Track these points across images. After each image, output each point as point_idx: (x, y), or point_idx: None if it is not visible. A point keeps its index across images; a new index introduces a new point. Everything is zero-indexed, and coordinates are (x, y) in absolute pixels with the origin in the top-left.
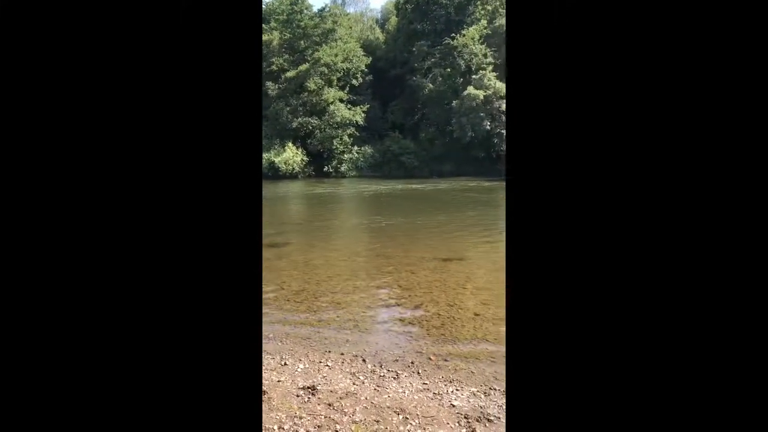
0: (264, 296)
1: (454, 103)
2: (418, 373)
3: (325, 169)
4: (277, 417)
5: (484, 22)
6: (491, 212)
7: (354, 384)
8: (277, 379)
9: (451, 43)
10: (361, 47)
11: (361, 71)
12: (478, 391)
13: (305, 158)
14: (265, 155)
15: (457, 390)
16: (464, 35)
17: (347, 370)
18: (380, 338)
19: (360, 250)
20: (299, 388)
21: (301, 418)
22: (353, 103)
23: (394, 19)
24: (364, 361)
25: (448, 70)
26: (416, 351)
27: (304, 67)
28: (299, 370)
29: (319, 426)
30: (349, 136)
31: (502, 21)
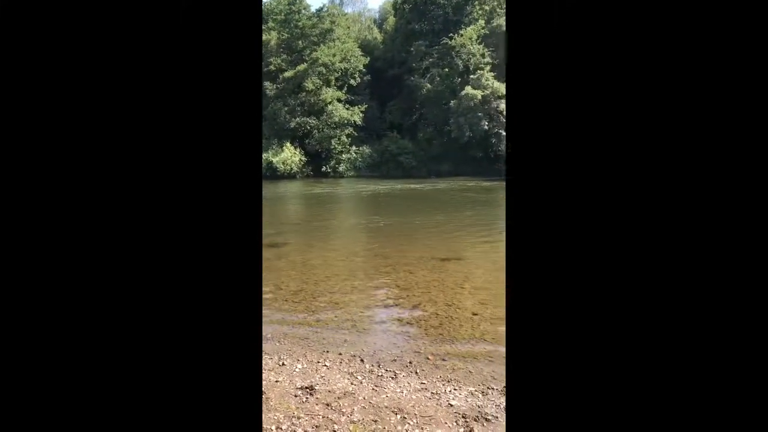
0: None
1: (452, 103)
2: (416, 372)
3: (323, 169)
4: (275, 417)
5: (481, 22)
6: (489, 212)
7: (352, 384)
8: (275, 380)
9: (449, 43)
10: (359, 47)
11: (359, 71)
12: (476, 390)
13: (303, 158)
14: (263, 155)
15: (455, 389)
16: (462, 35)
17: (345, 370)
18: (378, 338)
19: (358, 250)
20: (297, 388)
21: (299, 418)
22: (351, 103)
23: (391, 19)
24: (362, 361)
25: (446, 70)
26: (414, 351)
27: (302, 67)
28: (297, 370)
29: (317, 426)
30: (347, 136)
31: (499, 21)
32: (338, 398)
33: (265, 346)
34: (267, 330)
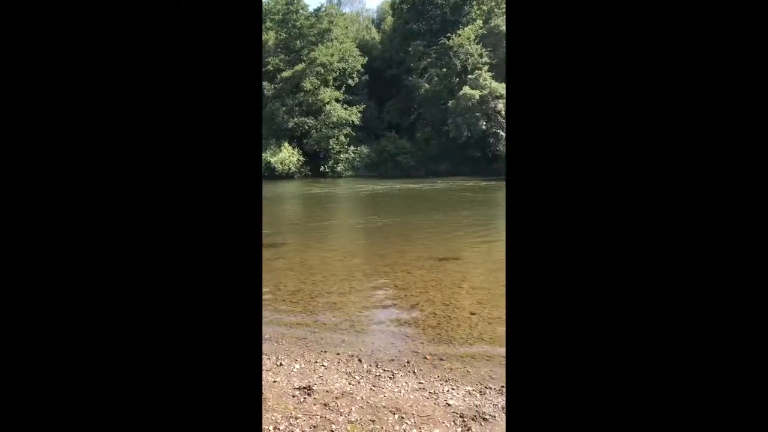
0: None
1: (450, 103)
2: (414, 372)
3: (322, 169)
4: (273, 417)
5: (479, 22)
6: (487, 212)
7: (350, 384)
8: (273, 380)
9: (447, 43)
10: (357, 47)
11: (357, 71)
12: (473, 390)
13: (301, 158)
14: None
15: (452, 389)
16: (460, 35)
17: (343, 370)
18: (376, 338)
19: (356, 250)
20: (295, 389)
21: (296, 418)
22: (349, 103)
23: (389, 19)
24: (360, 360)
25: (444, 70)
26: (412, 350)
27: (300, 67)
28: (295, 370)
29: (314, 426)
30: (346, 136)
31: (497, 21)
32: (336, 398)
33: (263, 347)
34: (265, 330)
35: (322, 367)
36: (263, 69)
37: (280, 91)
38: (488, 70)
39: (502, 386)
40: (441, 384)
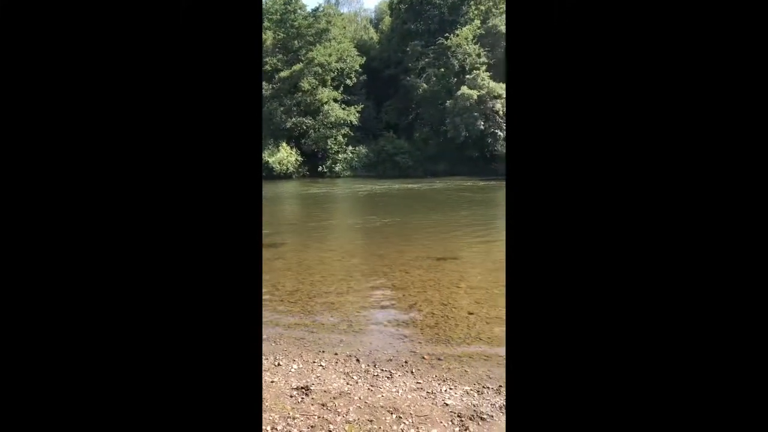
0: None
1: (448, 102)
2: (412, 372)
3: (320, 169)
4: (271, 418)
5: (477, 22)
6: (486, 212)
7: (348, 384)
8: (271, 380)
9: (445, 43)
10: (355, 47)
11: (355, 71)
12: (471, 389)
13: (299, 158)
14: None
15: (450, 389)
16: (458, 35)
17: (341, 370)
18: (374, 338)
19: (354, 250)
20: (293, 389)
21: (294, 418)
22: (347, 103)
23: (387, 19)
24: (357, 360)
25: (442, 70)
26: (410, 350)
27: (297, 66)
28: (293, 370)
29: (312, 426)
30: (344, 136)
31: (495, 21)
32: (334, 398)
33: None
34: (263, 330)
35: (320, 367)
36: None
37: (278, 91)
38: (486, 70)
39: (500, 386)
40: (439, 384)
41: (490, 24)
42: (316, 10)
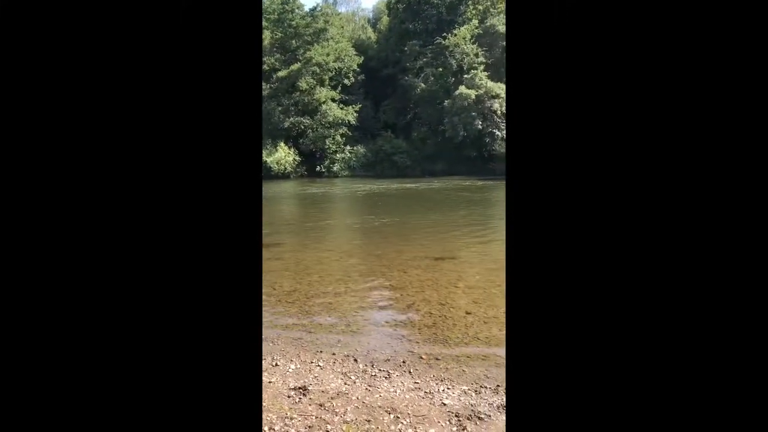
0: None
1: (446, 102)
2: (410, 372)
3: (318, 168)
4: (268, 418)
5: (475, 21)
6: (484, 211)
7: (345, 384)
8: (268, 380)
9: (443, 42)
10: (352, 47)
11: (353, 71)
12: (469, 389)
13: (297, 158)
14: None
15: (448, 389)
16: (456, 35)
17: (339, 370)
18: (372, 338)
19: (353, 250)
20: (290, 389)
21: (291, 418)
22: (345, 103)
23: (385, 19)
24: (355, 360)
25: (440, 69)
26: (408, 350)
27: (295, 66)
28: (290, 370)
29: (310, 426)
30: (342, 135)
31: (493, 21)
32: (331, 398)
33: None
34: None
35: (318, 368)
36: None
37: (276, 90)
38: (484, 70)
39: (498, 385)
40: (436, 383)
41: (488, 24)
42: (313, 9)
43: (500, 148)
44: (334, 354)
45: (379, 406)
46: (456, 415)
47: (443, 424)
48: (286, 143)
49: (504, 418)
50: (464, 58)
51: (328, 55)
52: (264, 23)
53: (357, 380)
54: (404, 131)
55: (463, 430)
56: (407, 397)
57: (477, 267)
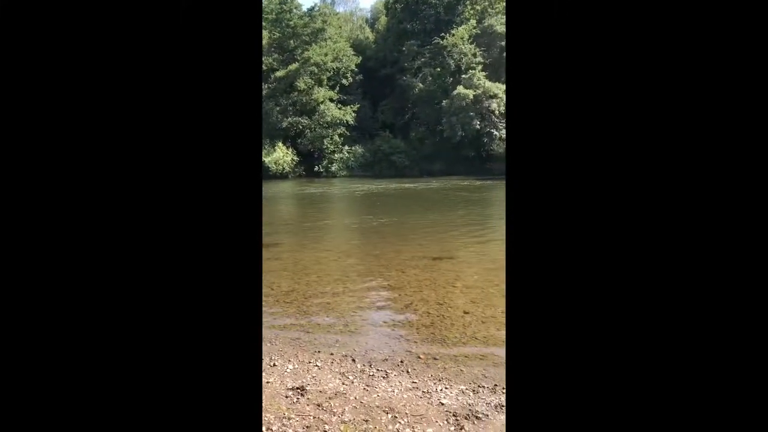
0: None
1: (444, 102)
2: (408, 372)
3: (316, 168)
4: (266, 418)
5: (473, 21)
6: (482, 211)
7: (343, 384)
8: (266, 380)
9: (441, 42)
10: (351, 47)
11: (351, 71)
12: (466, 389)
13: (295, 158)
14: None
15: (446, 388)
16: (454, 35)
17: (336, 370)
18: (370, 338)
19: (351, 250)
20: (288, 389)
21: (289, 419)
22: (343, 103)
23: (383, 19)
24: (353, 360)
25: (438, 69)
26: (405, 350)
27: (293, 66)
28: (288, 370)
29: (307, 427)
30: (340, 135)
31: (491, 21)
32: (329, 398)
33: None
34: None
35: (316, 368)
36: None
37: (274, 90)
38: (482, 70)
39: (495, 385)
40: (434, 383)
41: (486, 24)
42: (311, 9)
43: (498, 148)
44: (332, 354)
45: (377, 406)
46: (454, 415)
47: (441, 424)
48: (284, 143)
49: (501, 417)
50: (462, 58)
51: (326, 55)
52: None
53: (355, 380)
54: (402, 131)
55: (461, 429)
56: (405, 396)
57: (475, 267)
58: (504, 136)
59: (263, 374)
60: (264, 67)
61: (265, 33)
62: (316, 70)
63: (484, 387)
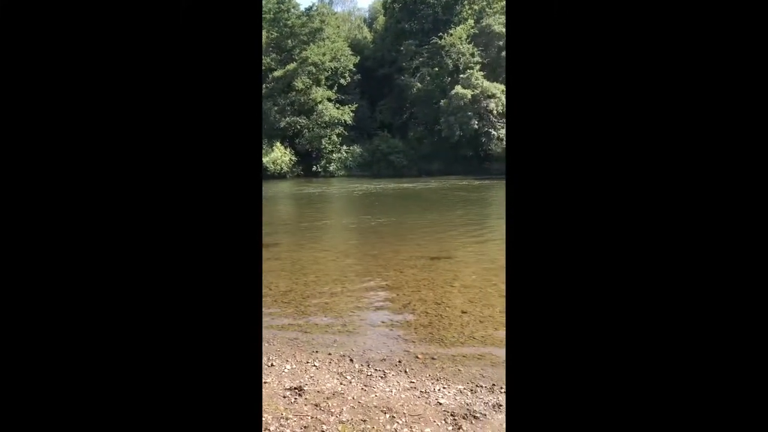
0: None
1: (442, 102)
2: (405, 371)
3: (314, 168)
4: (264, 418)
5: (471, 21)
6: (480, 211)
7: (341, 384)
8: (264, 380)
9: (439, 42)
10: (348, 46)
11: (349, 70)
12: (464, 388)
13: (294, 158)
14: None
15: (443, 388)
16: (452, 35)
17: (334, 370)
18: (368, 338)
19: (349, 250)
20: (286, 389)
21: (287, 419)
22: (341, 103)
23: (381, 19)
24: (351, 360)
25: (436, 69)
26: (403, 350)
27: (291, 66)
28: (286, 370)
29: (305, 427)
30: (338, 135)
31: (489, 20)
32: (327, 398)
33: None
34: None
35: (314, 368)
36: None
37: (272, 90)
38: (480, 70)
39: (493, 384)
40: (432, 383)
41: (484, 23)
42: (309, 9)
43: (496, 147)
44: (329, 354)
45: (375, 406)
46: (452, 415)
47: (439, 424)
48: (282, 143)
49: (499, 417)
50: (460, 57)
51: (324, 54)
52: None
53: (353, 380)
54: (400, 131)
55: (459, 429)
56: (403, 396)
57: (473, 266)
58: (502, 135)
59: None
60: (262, 67)
61: (263, 33)
62: (314, 70)
63: (481, 386)
